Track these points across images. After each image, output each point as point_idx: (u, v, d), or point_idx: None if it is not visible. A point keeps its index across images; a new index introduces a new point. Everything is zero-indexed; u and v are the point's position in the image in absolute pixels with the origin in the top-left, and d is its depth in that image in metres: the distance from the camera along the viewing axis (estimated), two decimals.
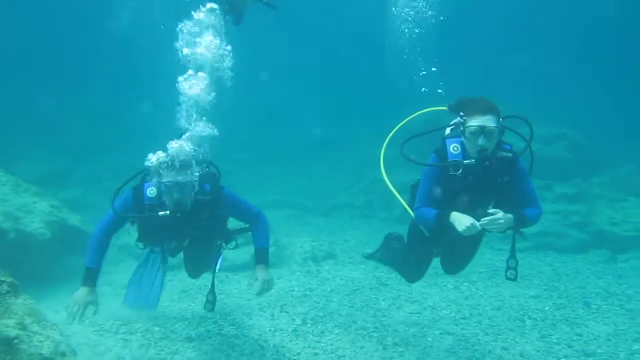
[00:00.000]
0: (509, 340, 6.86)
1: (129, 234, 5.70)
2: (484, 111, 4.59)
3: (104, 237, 5.31)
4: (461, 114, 4.73)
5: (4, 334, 4.03)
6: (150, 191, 5.09)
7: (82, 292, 5.05)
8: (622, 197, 13.01)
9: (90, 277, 5.14)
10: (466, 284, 9.09)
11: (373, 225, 14.82)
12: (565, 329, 7.28)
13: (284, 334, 6.80)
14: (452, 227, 4.65)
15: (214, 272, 5.77)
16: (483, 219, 4.50)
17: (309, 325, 7.17)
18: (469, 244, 5.38)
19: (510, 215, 4.57)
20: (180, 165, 4.90)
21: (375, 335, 6.91)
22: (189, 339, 6.54)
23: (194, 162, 5.04)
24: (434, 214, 4.83)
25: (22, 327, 4.21)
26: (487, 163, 4.64)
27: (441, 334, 7.03)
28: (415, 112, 5.52)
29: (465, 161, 4.70)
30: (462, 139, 4.78)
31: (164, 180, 4.88)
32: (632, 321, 7.61)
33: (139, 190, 5.17)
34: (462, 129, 4.72)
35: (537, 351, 6.58)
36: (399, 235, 6.42)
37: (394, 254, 6.36)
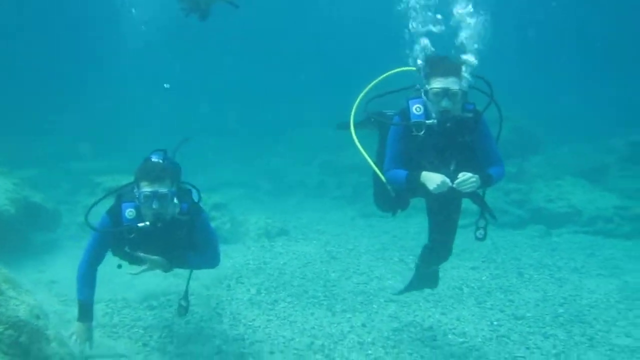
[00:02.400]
0: (448, 307, 7.48)
1: None
2: (446, 73, 4.59)
3: (90, 268, 5.12)
4: (424, 75, 4.76)
5: None
6: (129, 213, 4.88)
7: (79, 330, 5.03)
8: (559, 175, 13.76)
9: (85, 312, 5.07)
10: (411, 257, 9.66)
11: (326, 204, 15.34)
12: (499, 296, 7.95)
13: (240, 303, 7.29)
14: (423, 187, 4.68)
15: (188, 279, 5.72)
16: (457, 180, 4.53)
17: (263, 294, 7.67)
18: (445, 210, 5.38)
19: (476, 176, 4.58)
20: (158, 173, 4.80)
21: (325, 303, 7.45)
22: (151, 308, 6.99)
23: (172, 174, 4.95)
24: (405, 175, 4.83)
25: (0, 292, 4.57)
26: (448, 124, 4.66)
27: (385, 301, 7.60)
28: (384, 73, 5.40)
29: (427, 121, 4.70)
30: (425, 99, 4.77)
31: (142, 190, 4.74)
32: (560, 288, 8.33)
33: (115, 212, 5.00)
34: (425, 89, 4.73)
35: (473, 315, 7.23)
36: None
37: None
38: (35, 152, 15.43)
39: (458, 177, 4.54)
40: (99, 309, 6.76)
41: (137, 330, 6.33)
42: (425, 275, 6.25)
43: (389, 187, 5.02)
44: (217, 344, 6.10)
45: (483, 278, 8.70)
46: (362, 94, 5.31)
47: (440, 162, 4.80)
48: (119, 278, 7.55)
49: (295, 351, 6.05)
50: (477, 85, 4.82)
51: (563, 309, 7.51)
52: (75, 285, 5.10)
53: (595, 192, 13.17)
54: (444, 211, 5.40)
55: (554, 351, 6.29)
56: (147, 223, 4.77)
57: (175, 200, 4.94)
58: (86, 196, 11.44)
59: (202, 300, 7.28)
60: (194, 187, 5.41)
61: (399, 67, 5.27)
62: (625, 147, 15.15)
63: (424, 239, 10.56)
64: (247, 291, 7.72)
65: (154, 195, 4.72)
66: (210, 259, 5.37)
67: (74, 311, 6.46)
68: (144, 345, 6.00)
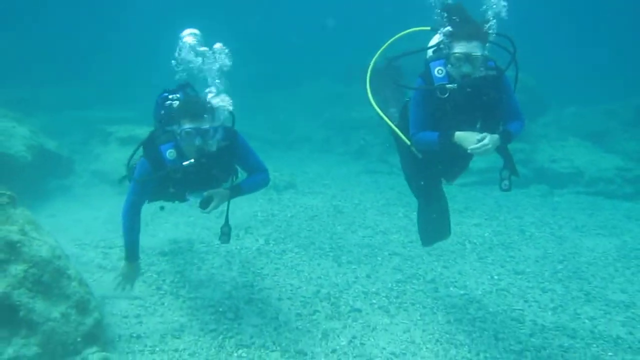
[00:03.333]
0: (450, 261, 7.71)
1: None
2: (469, 37, 4.52)
3: (135, 212, 5.17)
4: (445, 36, 4.69)
5: (9, 238, 4.63)
6: (170, 153, 4.88)
7: (128, 268, 5.26)
8: (563, 137, 13.93)
9: (132, 252, 5.24)
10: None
11: (331, 160, 15.51)
12: (500, 252, 8.17)
13: (249, 252, 7.52)
14: (458, 146, 4.63)
15: (228, 205, 5.44)
16: (472, 146, 4.49)
17: (271, 245, 7.90)
18: (465, 158, 5.32)
19: (496, 136, 4.54)
20: (199, 110, 4.76)
21: (331, 254, 7.68)
22: (163, 254, 7.23)
23: (212, 109, 4.85)
24: (437, 136, 4.78)
25: (23, 233, 4.82)
26: (468, 89, 4.65)
27: (390, 254, 7.83)
28: (398, 34, 5.43)
29: (447, 85, 4.66)
30: (447, 61, 4.72)
31: (184, 127, 4.72)
32: (560, 246, 8.56)
33: (155, 155, 4.94)
34: (447, 52, 4.68)
35: (474, 270, 7.46)
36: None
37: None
38: (46, 100, 15.50)
39: (475, 142, 4.49)
40: (114, 253, 7.06)
41: (150, 274, 6.57)
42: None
43: (413, 150, 5.01)
44: (227, 289, 6.35)
45: (485, 234, 8.91)
46: (376, 55, 5.33)
47: (466, 122, 4.74)
48: None
49: (302, 298, 6.29)
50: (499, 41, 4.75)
51: (562, 266, 7.74)
52: (120, 227, 5.24)
53: (598, 153, 13.37)
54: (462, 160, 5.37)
55: (551, 305, 6.54)
56: (192, 160, 4.76)
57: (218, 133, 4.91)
58: (98, 145, 11.64)
59: (212, 248, 7.51)
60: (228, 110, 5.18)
61: (414, 27, 5.31)
62: (629, 110, 15.30)
63: None
64: (255, 241, 7.95)
65: (197, 131, 4.71)
66: (262, 179, 5.45)
67: (90, 254, 6.80)
68: (158, 288, 6.25)
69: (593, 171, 12.65)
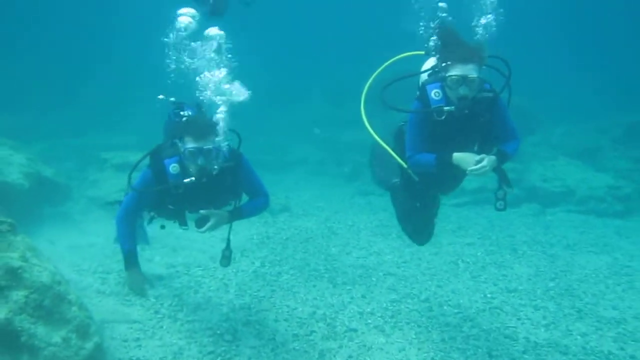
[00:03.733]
0: (444, 280, 7.83)
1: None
2: (465, 59, 4.55)
3: (130, 219, 5.18)
4: (441, 59, 4.73)
5: (10, 265, 4.72)
6: (173, 168, 4.91)
7: (132, 276, 5.13)
8: (554, 156, 14.10)
9: (132, 260, 5.10)
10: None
11: (325, 182, 15.64)
12: (493, 271, 8.29)
13: (245, 274, 7.63)
14: (455, 167, 4.66)
15: (229, 228, 5.52)
16: (471, 167, 4.53)
17: (267, 267, 8.00)
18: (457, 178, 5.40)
19: (493, 157, 4.59)
20: (204, 129, 4.77)
21: (326, 275, 7.79)
22: (160, 278, 7.32)
23: (216, 128, 4.87)
24: (434, 157, 4.82)
25: (24, 259, 4.90)
26: (466, 111, 4.64)
27: (384, 274, 7.94)
28: (391, 58, 5.44)
29: (445, 107, 4.67)
30: (443, 84, 4.74)
31: (188, 146, 4.74)
32: (552, 264, 8.69)
33: (159, 168, 4.99)
34: (443, 75, 4.68)
35: (467, 288, 7.58)
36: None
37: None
38: (42, 128, 15.61)
39: (474, 163, 4.53)
40: (112, 278, 7.15)
41: (148, 298, 6.62)
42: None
43: (410, 172, 5.01)
44: (225, 312, 6.45)
45: (478, 254, 9.03)
46: (370, 79, 5.39)
47: (463, 144, 4.79)
48: None
49: (299, 319, 6.39)
50: (493, 63, 4.79)
51: (554, 283, 7.86)
52: (113, 241, 5.47)
53: (589, 172, 13.53)
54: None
55: (544, 322, 6.65)
56: (193, 179, 4.77)
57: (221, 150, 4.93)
58: (94, 172, 11.78)
59: (208, 272, 7.61)
60: (234, 131, 5.21)
61: (407, 52, 5.38)
62: (618, 128, 15.52)
63: None
64: (251, 264, 8.05)
65: (200, 151, 4.73)
66: (262, 203, 5.51)
67: (88, 280, 6.88)
68: (156, 312, 6.33)
69: (584, 190, 12.81)
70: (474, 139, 4.92)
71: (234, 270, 7.70)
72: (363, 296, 7.14)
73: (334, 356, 5.66)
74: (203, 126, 4.80)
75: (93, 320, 5.12)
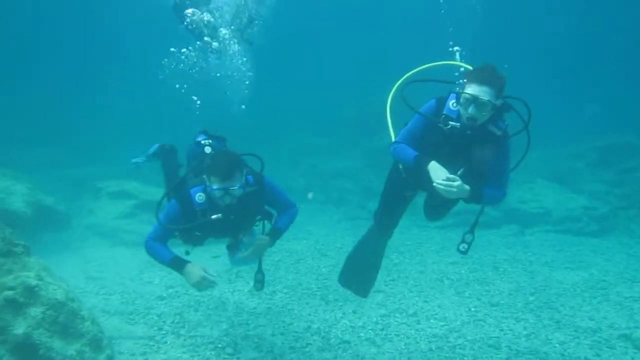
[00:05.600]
0: (430, 296, 8.24)
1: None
2: (482, 81, 4.45)
3: (156, 248, 5.12)
4: (463, 77, 4.63)
5: (27, 283, 5.09)
6: (199, 197, 4.96)
7: (190, 272, 4.96)
8: (531, 179, 14.60)
9: (179, 261, 5.04)
10: (395, 253, 10.44)
11: (313, 208, 16.00)
12: (476, 287, 8.72)
13: (241, 294, 7.98)
14: (426, 175, 4.58)
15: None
16: (438, 180, 4.45)
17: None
18: (442, 202, 5.25)
19: (467, 187, 4.46)
20: (229, 170, 4.79)
21: (318, 294, 8.17)
22: (161, 298, 7.68)
23: (241, 167, 4.94)
24: (414, 155, 4.75)
25: (40, 278, 5.27)
26: (468, 132, 4.59)
27: (373, 291, 8.27)
28: (434, 62, 5.32)
29: (451, 122, 4.63)
30: (457, 100, 4.66)
31: (214, 187, 4.79)
32: (532, 280, 9.14)
33: (185, 198, 5.02)
34: (458, 91, 4.61)
35: (452, 303, 7.99)
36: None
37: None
38: (31, 160, 15.79)
39: (444, 179, 4.45)
40: (115, 299, 7.48)
41: (151, 317, 7.00)
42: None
43: (400, 167, 5.10)
44: (224, 327, 6.80)
45: (462, 271, 9.46)
46: (404, 77, 5.20)
47: (451, 162, 4.63)
48: (127, 272, 8.34)
49: (295, 333, 6.76)
50: (516, 106, 4.69)
51: (534, 297, 8.30)
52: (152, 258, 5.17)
53: (566, 194, 14.06)
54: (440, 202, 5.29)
55: (525, 332, 7.08)
56: (220, 215, 4.86)
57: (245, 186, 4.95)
58: (89, 200, 12.07)
59: (206, 292, 7.94)
60: (255, 155, 5.34)
61: (451, 60, 5.29)
62: (594, 152, 16.11)
63: (407, 238, 11.47)
64: (246, 284, 8.40)
65: (226, 191, 4.79)
66: (292, 214, 5.62)
67: (92, 301, 7.22)
68: (159, 329, 6.68)
69: (561, 211, 13.31)
70: (462, 164, 4.70)
71: (230, 290, 8.06)
72: (354, 312, 7.53)
73: None
74: (227, 166, 4.80)
75: (104, 335, 5.47)
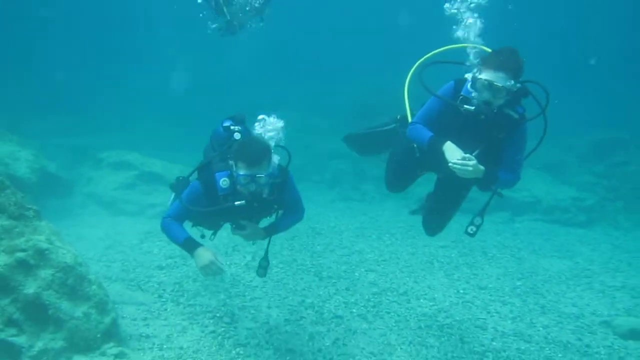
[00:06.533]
0: (420, 277, 8.52)
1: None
2: (498, 67, 4.44)
3: (172, 227, 5.15)
4: (481, 62, 4.61)
5: (38, 246, 5.28)
6: (224, 182, 4.93)
7: (200, 256, 4.95)
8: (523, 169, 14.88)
9: (192, 242, 5.03)
10: (387, 235, 10.72)
11: (306, 187, 16.19)
12: (465, 270, 9.00)
13: (238, 267, 8.22)
14: (441, 155, 4.60)
15: (268, 241, 5.70)
16: (454, 160, 4.45)
17: (257, 261, 8.52)
18: (454, 188, 5.37)
19: (481, 167, 4.44)
20: (258, 157, 4.77)
21: (312, 270, 8.42)
22: (160, 267, 7.92)
23: (270, 155, 4.89)
24: (429, 136, 4.77)
25: (50, 242, 5.46)
26: (482, 117, 4.59)
27: (366, 270, 8.61)
28: (454, 44, 5.25)
29: (465, 105, 4.62)
30: (472, 84, 4.66)
31: (240, 173, 4.77)
32: (519, 266, 9.45)
33: (210, 181, 5.03)
34: (475, 76, 4.60)
35: (442, 285, 8.28)
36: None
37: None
38: (43, 126, 15.83)
39: (455, 159, 4.46)
40: (116, 267, 7.71)
41: (151, 284, 7.23)
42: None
43: (414, 146, 5.05)
44: (222, 298, 7.05)
45: (452, 255, 9.74)
46: (419, 61, 5.20)
47: (466, 143, 4.63)
48: (127, 241, 8.55)
49: (290, 307, 7.02)
50: (534, 91, 4.70)
51: (520, 283, 8.60)
52: (167, 236, 5.21)
53: (555, 184, 14.40)
54: (453, 189, 5.41)
55: (510, 315, 7.38)
56: (243, 202, 4.84)
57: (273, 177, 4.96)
58: (90, 170, 12.23)
59: (211, 277, 8.17)
60: (283, 147, 5.26)
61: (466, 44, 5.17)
62: (584, 145, 16.47)
63: (399, 220, 11.74)
64: (243, 257, 8.63)
65: (252, 178, 4.77)
66: (297, 218, 5.65)
67: (94, 267, 7.43)
68: (159, 296, 6.91)
69: (550, 200, 13.64)
70: (477, 146, 4.71)
71: (228, 262, 8.29)
72: (347, 289, 7.79)
73: (323, 338, 6.29)
74: (256, 153, 4.79)
75: (109, 299, 5.69)
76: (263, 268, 5.74)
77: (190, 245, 5.03)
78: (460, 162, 4.43)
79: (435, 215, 5.88)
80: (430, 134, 4.81)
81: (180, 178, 5.65)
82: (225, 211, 5.00)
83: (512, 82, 4.45)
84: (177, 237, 5.10)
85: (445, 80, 4.97)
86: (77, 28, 26.82)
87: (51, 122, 16.10)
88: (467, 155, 4.46)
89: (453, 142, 4.63)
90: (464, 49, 5.16)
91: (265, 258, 5.74)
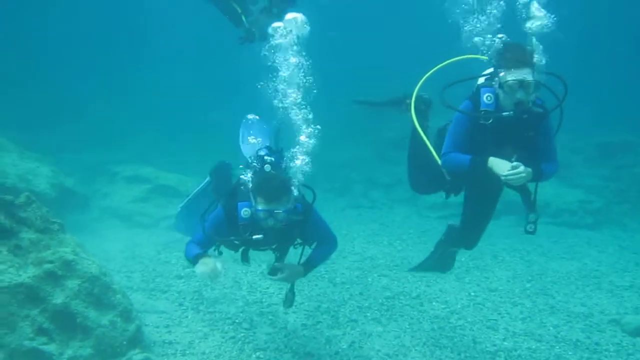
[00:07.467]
0: (432, 281, 8.69)
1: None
2: (518, 64, 4.47)
3: (195, 254, 5.18)
4: (497, 66, 4.65)
5: (65, 258, 5.51)
6: (245, 212, 4.94)
7: (202, 261, 5.05)
8: None
9: (201, 255, 5.11)
10: (398, 241, 10.94)
11: (318, 196, 16.40)
12: (476, 274, 9.19)
13: (254, 275, 8.43)
14: (489, 172, 4.59)
15: None
16: (506, 172, 4.45)
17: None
18: (490, 199, 5.49)
19: (529, 170, 4.47)
20: (277, 193, 4.78)
21: (326, 276, 8.63)
22: (179, 277, 8.17)
23: (290, 191, 4.89)
24: (468, 159, 4.76)
25: (75, 253, 5.69)
26: (525, 116, 4.60)
27: (379, 276, 8.82)
28: (451, 59, 5.31)
29: (504, 113, 4.61)
30: (498, 90, 4.65)
31: (259, 208, 4.78)
32: (529, 268, 9.62)
33: (232, 211, 5.05)
34: (498, 81, 4.60)
35: (453, 288, 8.46)
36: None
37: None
38: (51, 142, 15.99)
39: (510, 169, 4.46)
40: (136, 277, 7.95)
41: (171, 293, 7.48)
42: (442, 256, 6.48)
43: (444, 171, 5.07)
44: (240, 305, 7.28)
45: (462, 259, 9.87)
46: (423, 78, 5.33)
47: (502, 153, 4.62)
48: (145, 252, 8.78)
49: (306, 312, 7.23)
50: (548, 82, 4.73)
51: (530, 284, 8.78)
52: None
53: (563, 187, 14.49)
54: (485, 200, 5.51)
55: (521, 316, 7.56)
56: (260, 237, 4.90)
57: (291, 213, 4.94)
58: (105, 184, 12.52)
59: (206, 282, 8.33)
60: (309, 187, 5.31)
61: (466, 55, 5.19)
62: (591, 147, 16.59)
63: (409, 226, 11.93)
64: (258, 266, 8.77)
65: (270, 214, 4.78)
66: (330, 249, 5.66)
67: (115, 278, 7.58)
68: (180, 305, 7.15)
69: (558, 203, 13.78)
70: (513, 150, 4.66)
71: (244, 271, 8.49)
72: (361, 293, 8.00)
73: (339, 341, 6.49)
74: (275, 189, 4.81)
75: (134, 307, 5.92)
76: (289, 300, 5.78)
77: (197, 258, 5.13)
78: (511, 172, 4.45)
79: (473, 230, 5.85)
80: (468, 157, 4.81)
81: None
82: (245, 242, 5.16)
83: (536, 73, 4.51)
84: (189, 254, 5.27)
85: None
86: (78, 30, 27.02)
87: (60, 134, 16.16)
88: (514, 163, 4.48)
89: (492, 155, 4.65)
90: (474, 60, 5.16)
91: (292, 290, 5.77)
